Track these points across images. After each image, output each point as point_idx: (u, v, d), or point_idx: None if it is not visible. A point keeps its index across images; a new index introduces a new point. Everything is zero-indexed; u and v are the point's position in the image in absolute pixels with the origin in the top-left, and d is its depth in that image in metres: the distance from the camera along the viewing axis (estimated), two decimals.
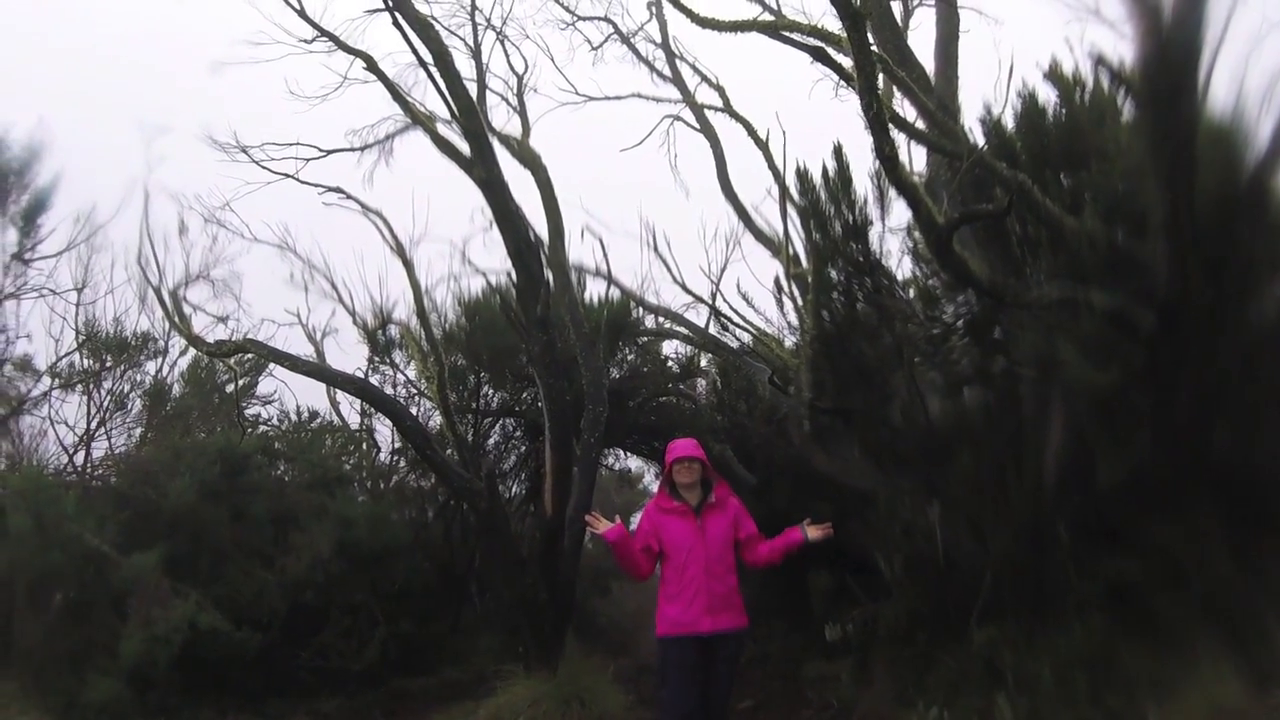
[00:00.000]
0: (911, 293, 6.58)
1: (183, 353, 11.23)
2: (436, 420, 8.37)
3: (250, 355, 11.24)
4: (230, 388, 11.61)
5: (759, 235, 8.59)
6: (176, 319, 7.75)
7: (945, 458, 5.51)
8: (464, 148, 5.91)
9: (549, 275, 6.12)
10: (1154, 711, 3.80)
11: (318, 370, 6.81)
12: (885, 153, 3.78)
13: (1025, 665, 4.52)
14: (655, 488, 11.46)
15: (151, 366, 10.53)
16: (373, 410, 9.52)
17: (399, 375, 8.71)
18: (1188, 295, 4.33)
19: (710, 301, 7.80)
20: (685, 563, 4.17)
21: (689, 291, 7.96)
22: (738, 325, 7.63)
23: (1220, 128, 4.40)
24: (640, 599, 14.78)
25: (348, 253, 13.32)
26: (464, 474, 6.23)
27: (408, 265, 6.81)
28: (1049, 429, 4.95)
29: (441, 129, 6.71)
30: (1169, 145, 4.08)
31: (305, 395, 11.27)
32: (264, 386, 11.41)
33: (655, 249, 7.79)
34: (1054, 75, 5.71)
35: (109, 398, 10.53)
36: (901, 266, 6.58)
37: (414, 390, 8.57)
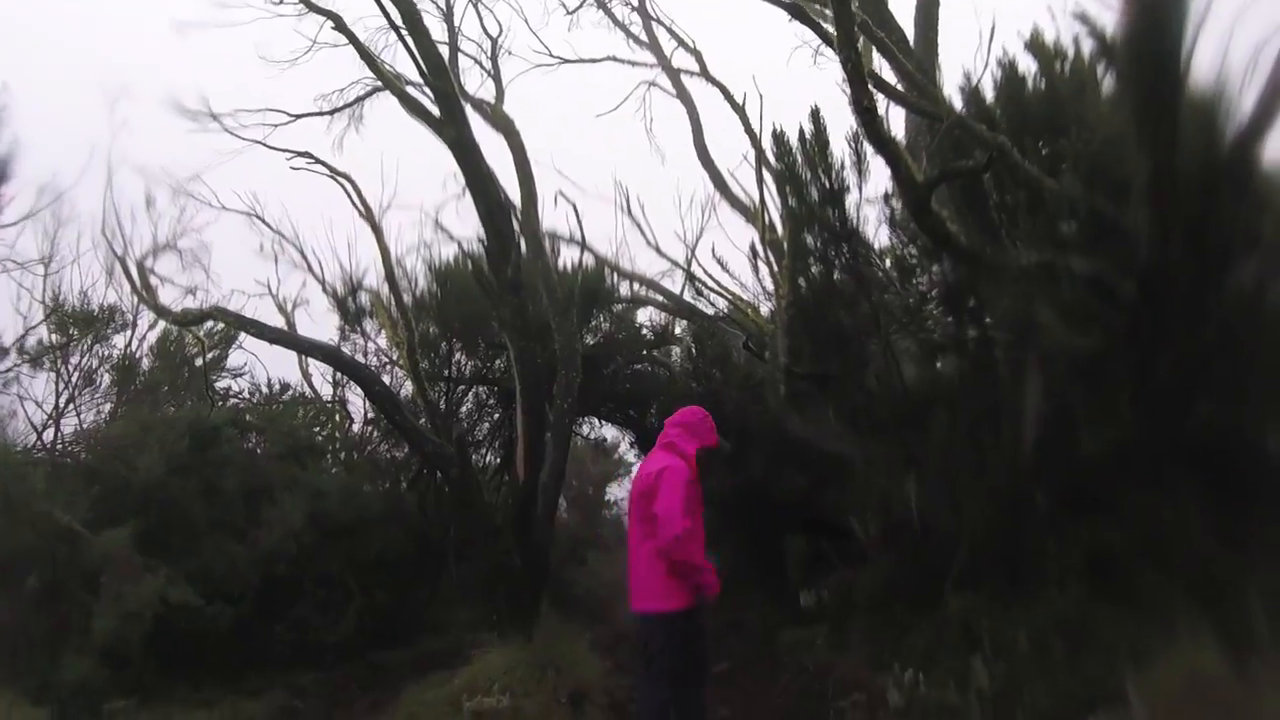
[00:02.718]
0: (888, 262, 6.45)
1: (151, 326, 10.92)
2: (408, 389, 8.17)
3: (220, 327, 11.12)
4: (199, 361, 11.39)
5: (735, 203, 8.42)
6: (142, 289, 7.47)
7: (921, 423, 5.41)
8: (435, 110, 5.65)
9: (520, 238, 5.91)
10: (1132, 680, 3.68)
11: (286, 338, 6.59)
12: (864, 105, 3.60)
13: (1002, 631, 4.45)
14: (633, 456, 11.42)
15: (120, 341, 10.17)
16: (345, 381, 9.31)
17: (370, 344, 8.46)
18: (1168, 263, 4.23)
19: (685, 266, 7.62)
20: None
21: (663, 255, 7.79)
22: (713, 290, 7.45)
23: (1203, 98, 4.27)
24: (616, 567, 14.78)
25: (318, 223, 13.01)
26: (435, 440, 6.05)
27: (376, 230, 6.58)
28: (1026, 395, 4.86)
29: (412, 93, 6.45)
30: (1153, 109, 3.96)
31: (277, 367, 10.98)
32: (234, 359, 11.21)
33: (629, 212, 7.59)
34: (1035, 45, 5.59)
35: (77, 373, 10.34)
36: (878, 236, 6.43)
37: (385, 359, 8.34)
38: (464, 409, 8.93)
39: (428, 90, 5.88)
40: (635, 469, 4.40)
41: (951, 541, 5.03)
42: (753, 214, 7.28)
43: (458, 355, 8.31)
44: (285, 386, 10.73)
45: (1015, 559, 4.82)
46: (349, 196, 7.01)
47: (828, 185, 6.17)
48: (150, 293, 7.27)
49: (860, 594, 5.16)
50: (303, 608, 7.18)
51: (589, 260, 8.47)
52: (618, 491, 19.20)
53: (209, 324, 11.27)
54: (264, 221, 8.64)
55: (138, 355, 11.11)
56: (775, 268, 6.31)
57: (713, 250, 7.56)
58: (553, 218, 8.19)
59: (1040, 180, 4.91)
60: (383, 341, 8.02)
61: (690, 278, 7.65)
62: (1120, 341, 4.56)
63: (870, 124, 3.68)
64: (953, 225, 4.17)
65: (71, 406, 10.22)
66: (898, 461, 5.21)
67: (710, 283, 7.53)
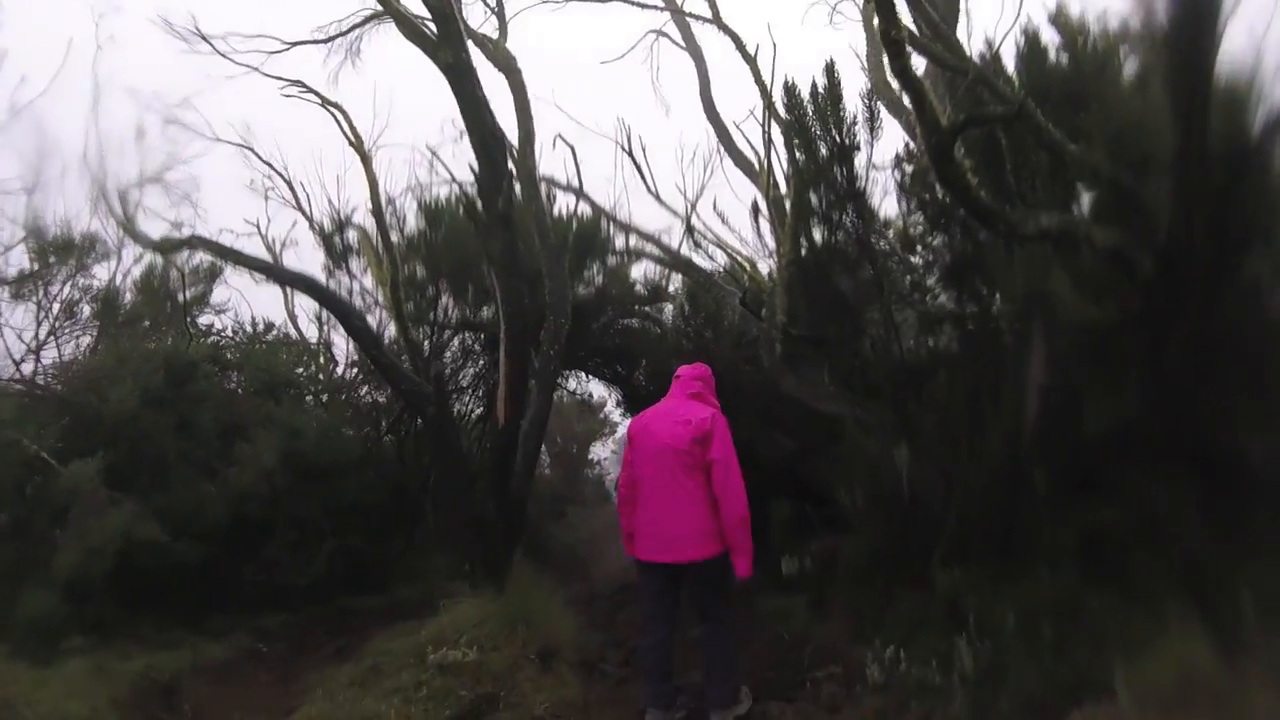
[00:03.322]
0: (890, 233, 6.14)
1: (137, 260, 10.62)
2: (392, 331, 7.85)
3: (204, 263, 10.73)
4: (181, 295, 11.00)
5: (739, 159, 8.01)
6: (123, 216, 7.06)
7: (918, 390, 5.14)
8: (432, 33, 5.24)
9: (514, 171, 5.56)
10: (1121, 668, 3.50)
11: (265, 267, 6.24)
12: (892, 37, 3.26)
13: (989, 611, 4.22)
14: (619, 415, 11.14)
15: (102, 272, 9.78)
16: (330, 322, 8.98)
17: (356, 284, 8.08)
18: (1190, 242, 3.95)
19: (684, 217, 7.24)
20: None
21: (662, 202, 7.38)
22: (712, 243, 7.11)
23: (1235, 81, 4.00)
24: (595, 525, 14.63)
25: (309, 159, 12.53)
26: (413, 379, 5.74)
27: (365, 159, 6.19)
28: (1031, 368, 4.59)
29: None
30: (1186, 84, 3.67)
31: (262, 306, 10.65)
32: (219, 296, 10.88)
33: (630, 153, 7.18)
34: (1059, 19, 5.38)
35: (58, 305, 10.01)
36: (884, 206, 6.12)
37: (372, 300, 7.98)
38: (449, 355, 8.58)
39: (427, 18, 5.46)
40: (643, 418, 4.19)
41: (941, 514, 4.78)
42: (757, 171, 6.90)
43: (445, 299, 7.95)
44: (270, 326, 10.41)
45: (1007, 536, 4.58)
46: (340, 126, 6.62)
47: (838, 140, 5.82)
48: (131, 221, 6.86)
49: (844, 564, 4.92)
50: (273, 549, 6.91)
51: (586, 209, 8.13)
52: (601, 450, 19.14)
53: (193, 258, 11.06)
54: (255, 154, 8.23)
55: (122, 289, 10.98)
56: (777, 225, 5.96)
57: (714, 204, 7.20)
58: (552, 164, 7.77)
59: (1062, 145, 4.59)
60: (369, 281, 7.67)
61: (689, 229, 7.29)
62: (1134, 319, 4.28)
63: (898, 56, 3.35)
64: (974, 178, 3.83)
65: (52, 339, 10.06)
66: (891, 428, 4.93)
67: (709, 236, 7.17)
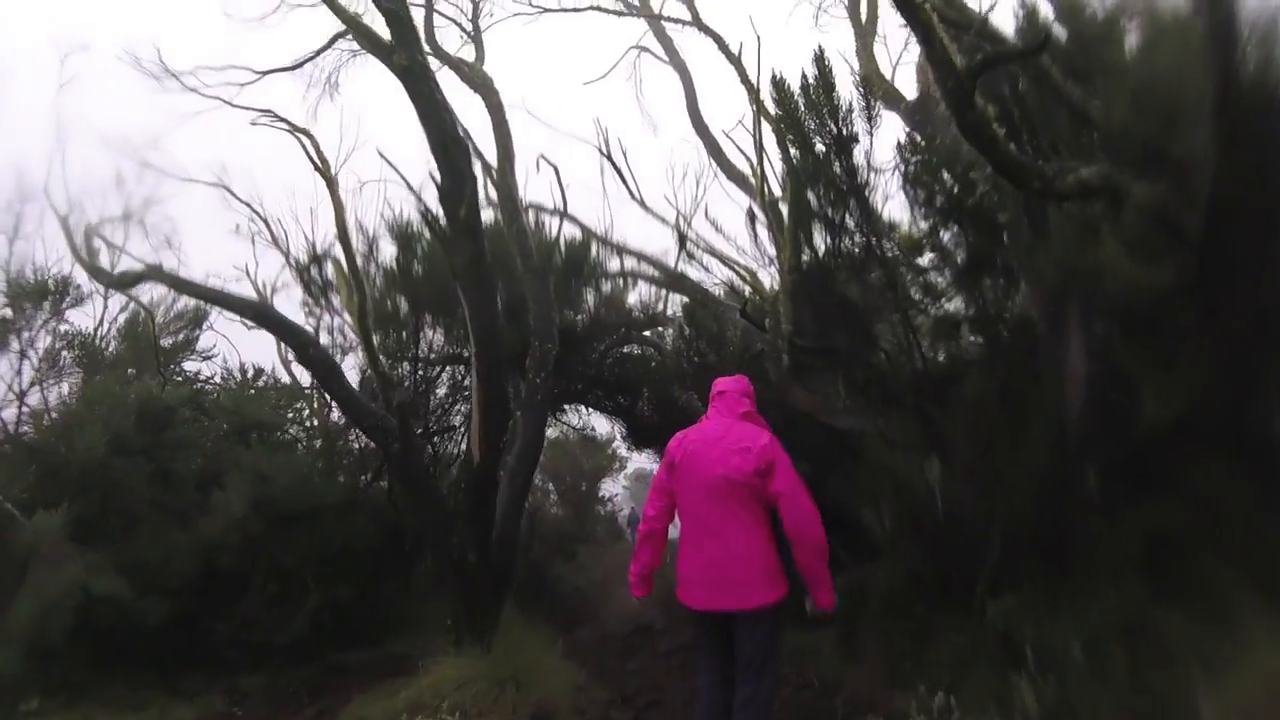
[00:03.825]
0: (896, 237, 5.57)
1: (123, 309, 10.25)
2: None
3: (188, 306, 10.26)
4: (168, 340, 10.52)
5: (730, 171, 7.51)
6: (84, 252, 6.56)
7: (944, 397, 4.51)
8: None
9: (492, 190, 5.03)
10: (1204, 690, 2.97)
11: (217, 296, 5.69)
12: None
13: (1049, 639, 3.56)
14: (625, 447, 10.51)
15: (87, 320, 9.38)
16: None
17: (336, 320, 7.53)
18: (1238, 195, 3.38)
19: (677, 227, 6.64)
20: None
21: (648, 210, 6.81)
22: (707, 252, 6.52)
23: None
24: (608, 564, 13.90)
25: (286, 196, 12.14)
26: (376, 412, 5.13)
27: (330, 182, 5.66)
28: (1070, 357, 3.98)
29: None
30: (1224, 30, 3.16)
31: (252, 352, 10.13)
32: (206, 341, 10.42)
33: (609, 158, 6.62)
34: None
35: (38, 352, 9.64)
36: (887, 210, 5.56)
37: (354, 338, 7.40)
38: (441, 391, 7.97)
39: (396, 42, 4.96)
40: (686, 441, 3.48)
41: (982, 532, 4.13)
42: (750, 180, 6.36)
43: (430, 333, 7.37)
44: (259, 371, 9.87)
45: (1059, 550, 3.95)
46: (306, 153, 6.11)
47: (835, 131, 5.28)
48: (93, 258, 6.35)
49: (874, 595, 4.24)
50: (250, 604, 6.25)
51: (574, 233, 7.60)
52: (611, 487, 18.47)
53: (177, 303, 10.61)
54: (231, 192, 7.73)
55: (106, 335, 10.57)
56: (775, 231, 5.39)
57: (705, 211, 6.65)
58: (539, 191, 7.29)
59: (1084, 103, 4.04)
60: (349, 317, 7.10)
61: (682, 240, 6.69)
62: (1184, 287, 3.69)
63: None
64: (999, 128, 3.25)
65: (37, 387, 9.69)
66: (917, 439, 4.30)
67: (704, 247, 6.59)
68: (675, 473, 3.40)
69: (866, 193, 5.26)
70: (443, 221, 4.51)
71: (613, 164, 6.46)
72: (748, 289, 6.14)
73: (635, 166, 8.62)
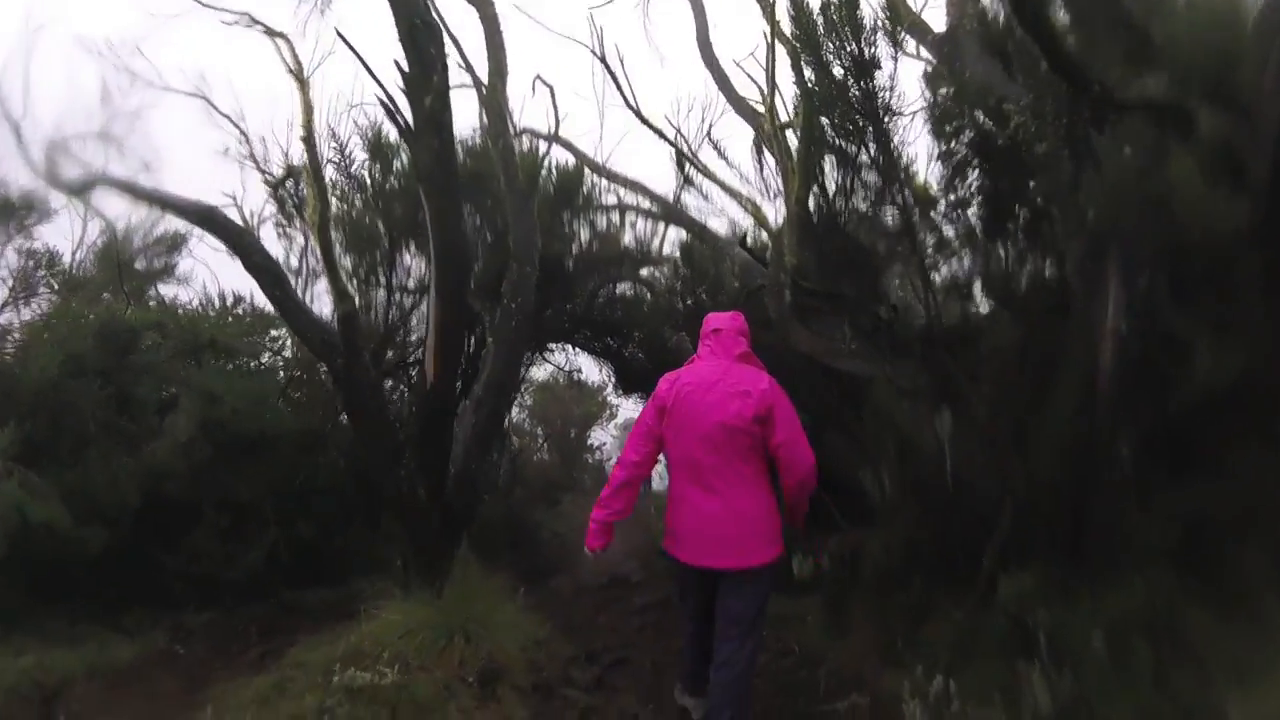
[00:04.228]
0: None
1: (102, 232, 9.77)
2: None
3: (167, 232, 9.71)
4: (144, 265, 9.98)
5: (740, 106, 6.83)
6: (38, 160, 5.93)
7: (962, 347, 3.98)
8: None
9: (490, 116, 4.39)
10: (1234, 699, 2.61)
11: (161, 199, 5.09)
12: None
13: (1066, 628, 3.10)
14: (616, 393, 10.06)
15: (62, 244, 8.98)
16: None
17: (312, 243, 6.91)
18: None
19: (675, 146, 5.97)
20: None
21: (645, 121, 6.11)
22: (708, 177, 5.89)
23: None
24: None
25: (267, 115, 11.43)
26: (323, 325, 4.59)
27: (302, 84, 5.04)
28: (1109, 312, 3.46)
29: None
30: None
31: (233, 280, 9.55)
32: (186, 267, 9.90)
33: (603, 59, 5.95)
34: None
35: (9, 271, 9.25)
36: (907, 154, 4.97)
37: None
38: (415, 321, 7.40)
39: None
40: (679, 382, 3.16)
41: (995, 501, 3.65)
42: (760, 106, 5.73)
43: (409, 259, 6.78)
44: (239, 299, 9.32)
45: (1081, 529, 3.48)
46: (281, 57, 5.46)
47: (856, 52, 4.66)
48: (52, 165, 5.72)
49: (869, 563, 3.76)
50: (200, 537, 5.77)
51: (569, 160, 6.97)
52: (601, 435, 18.04)
53: (158, 228, 10.04)
54: (209, 101, 7.07)
55: (81, 259, 10.13)
56: (784, 159, 4.79)
57: (708, 132, 6.01)
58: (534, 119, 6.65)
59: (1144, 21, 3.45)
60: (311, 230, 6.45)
61: (681, 161, 6.05)
62: (1247, 238, 3.16)
63: None
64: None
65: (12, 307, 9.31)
66: (929, 392, 3.77)
67: (705, 174, 5.94)
68: (666, 418, 3.08)
69: (886, 123, 4.67)
70: (408, 115, 3.92)
71: (608, 69, 5.81)
72: (750, 221, 5.56)
73: (639, 99, 7.92)
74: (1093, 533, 3.42)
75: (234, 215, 7.56)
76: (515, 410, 16.23)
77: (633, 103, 5.95)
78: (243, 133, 6.96)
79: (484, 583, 4.18)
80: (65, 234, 10.74)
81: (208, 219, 4.76)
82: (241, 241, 4.69)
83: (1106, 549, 3.38)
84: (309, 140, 4.75)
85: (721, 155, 5.81)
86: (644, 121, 5.84)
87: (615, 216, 7.37)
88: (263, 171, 7.12)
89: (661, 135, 5.77)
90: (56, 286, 8.90)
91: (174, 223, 9.32)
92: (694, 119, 7.72)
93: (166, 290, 9.98)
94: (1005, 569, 3.51)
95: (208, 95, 6.93)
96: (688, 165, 5.87)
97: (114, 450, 6.09)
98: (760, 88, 5.88)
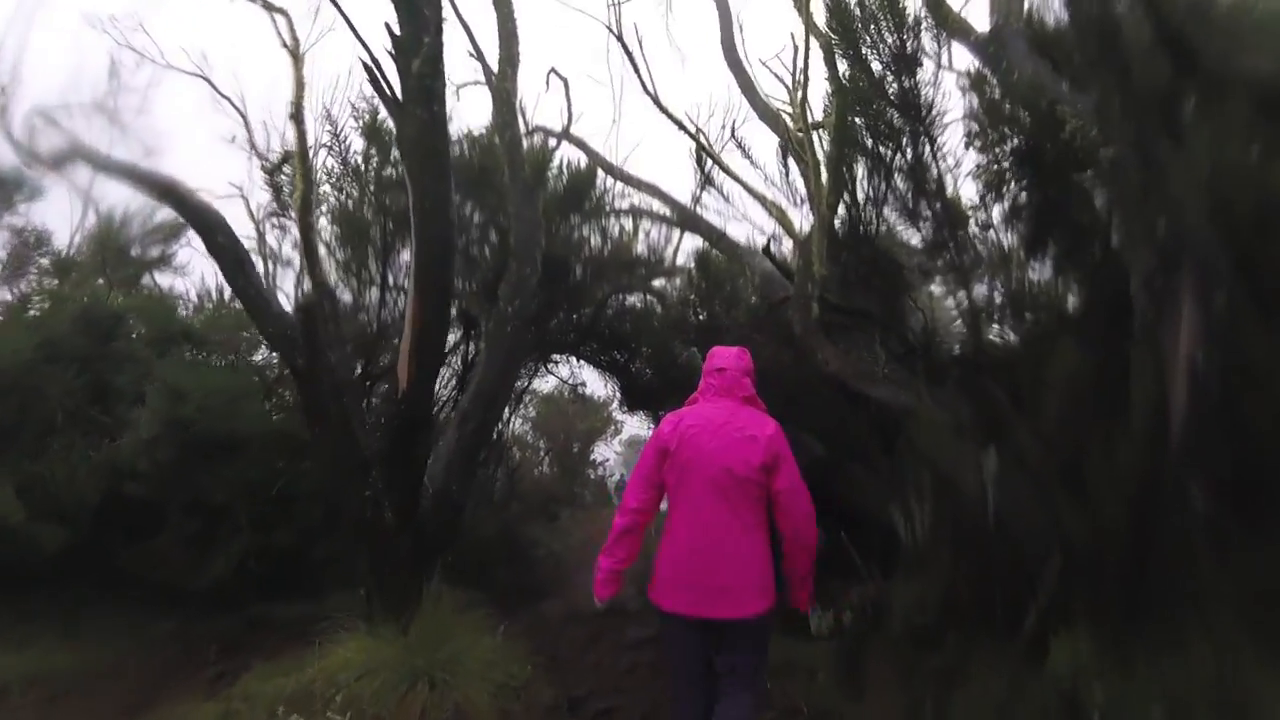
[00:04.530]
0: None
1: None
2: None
3: (164, 220, 9.39)
4: (135, 250, 9.64)
5: (764, 111, 6.37)
6: (21, 136, 5.53)
7: (1007, 374, 3.50)
8: None
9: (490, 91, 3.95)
10: None
11: (124, 169, 4.65)
12: None
13: (1123, 700, 2.61)
14: (621, 408, 9.61)
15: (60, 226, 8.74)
16: None
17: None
18: None
19: (695, 138, 5.45)
20: None
21: (662, 108, 5.60)
22: (729, 175, 5.40)
23: None
24: (591, 530, 12.94)
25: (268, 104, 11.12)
26: (285, 316, 4.13)
27: (296, 59, 4.61)
28: (1182, 334, 3.01)
29: None
30: None
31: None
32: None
33: (619, 37, 5.47)
34: None
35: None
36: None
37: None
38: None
39: None
40: (682, 424, 2.97)
41: (1043, 549, 3.15)
42: (789, 105, 5.27)
43: (406, 255, 6.31)
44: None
45: (1143, 585, 2.98)
46: (277, 32, 5.05)
47: (897, 44, 4.22)
48: (31, 139, 5.31)
49: (896, 617, 3.25)
50: (166, 541, 5.31)
51: (581, 160, 6.52)
52: (604, 451, 17.55)
53: (154, 216, 9.71)
54: (209, 82, 6.67)
55: (77, 244, 9.85)
56: (811, 162, 4.32)
57: (732, 130, 5.54)
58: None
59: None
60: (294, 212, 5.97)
61: (700, 156, 5.54)
62: None
63: None
64: None
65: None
66: (972, 425, 3.28)
67: (727, 175, 5.44)
68: (669, 461, 2.91)
69: (928, 122, 4.22)
70: (396, 85, 3.47)
71: (625, 49, 5.34)
72: (774, 227, 5.08)
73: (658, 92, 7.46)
74: (1155, 589, 2.93)
75: (240, 209, 7.29)
76: (518, 422, 15.86)
77: (651, 89, 5.49)
78: (243, 115, 6.58)
79: (458, 617, 3.68)
80: (66, 216, 10.54)
81: (169, 193, 4.33)
82: (204, 220, 4.25)
83: (1170, 609, 2.90)
84: (297, 116, 4.33)
85: (745, 154, 5.36)
86: (662, 109, 5.36)
87: (628, 223, 6.91)
88: (261, 158, 6.73)
89: (681, 126, 5.29)
90: (47, 267, 8.59)
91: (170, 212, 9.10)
92: (716, 123, 7.24)
93: (164, 279, 9.77)
94: (1053, 629, 3.02)
95: (209, 76, 6.57)
96: (708, 163, 5.40)
97: (80, 442, 5.66)
98: (787, 86, 5.44)
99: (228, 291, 8.55)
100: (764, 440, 2.83)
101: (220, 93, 6.63)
